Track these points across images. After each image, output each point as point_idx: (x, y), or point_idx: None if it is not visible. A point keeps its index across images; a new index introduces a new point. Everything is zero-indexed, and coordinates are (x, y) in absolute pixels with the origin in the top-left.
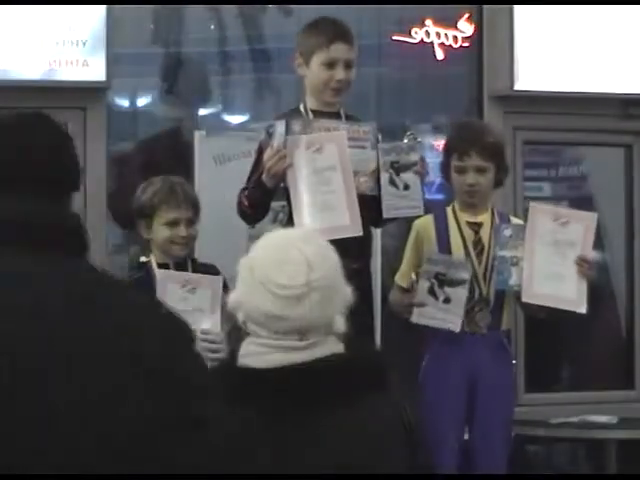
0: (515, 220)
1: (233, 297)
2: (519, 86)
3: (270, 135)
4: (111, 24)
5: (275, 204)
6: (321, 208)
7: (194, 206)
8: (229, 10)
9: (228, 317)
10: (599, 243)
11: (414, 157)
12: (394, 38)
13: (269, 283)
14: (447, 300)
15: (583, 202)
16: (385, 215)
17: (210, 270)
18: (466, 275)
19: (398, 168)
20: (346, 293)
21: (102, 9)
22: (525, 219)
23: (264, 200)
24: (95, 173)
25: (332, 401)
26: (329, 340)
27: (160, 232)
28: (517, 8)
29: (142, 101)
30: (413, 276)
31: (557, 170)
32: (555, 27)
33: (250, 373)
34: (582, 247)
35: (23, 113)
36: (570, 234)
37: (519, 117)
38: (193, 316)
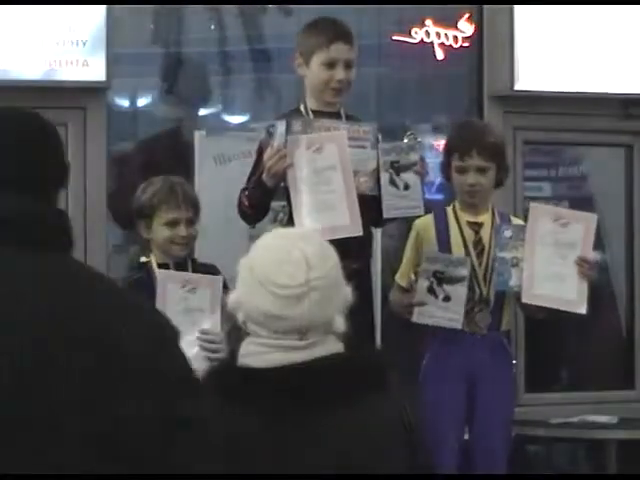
0: (515, 220)
1: (233, 297)
2: (519, 86)
3: (270, 135)
4: (111, 24)
5: (275, 204)
6: (321, 208)
7: (194, 206)
8: (229, 10)
9: (228, 317)
10: (599, 243)
11: (414, 157)
12: (394, 38)
13: (269, 283)
14: (447, 298)
15: (583, 202)
16: (385, 215)
17: (210, 270)
18: (465, 272)
19: (398, 168)
20: (346, 293)
21: (102, 9)
22: (525, 219)
23: (264, 200)
24: (95, 173)
25: (332, 401)
26: (329, 340)
27: (160, 232)
28: (517, 8)
29: (142, 101)
30: (412, 276)
31: (557, 170)
32: (555, 27)
33: (250, 373)
34: (582, 248)
35: (6, 111)
36: (570, 235)
37: (519, 117)
38: (193, 316)
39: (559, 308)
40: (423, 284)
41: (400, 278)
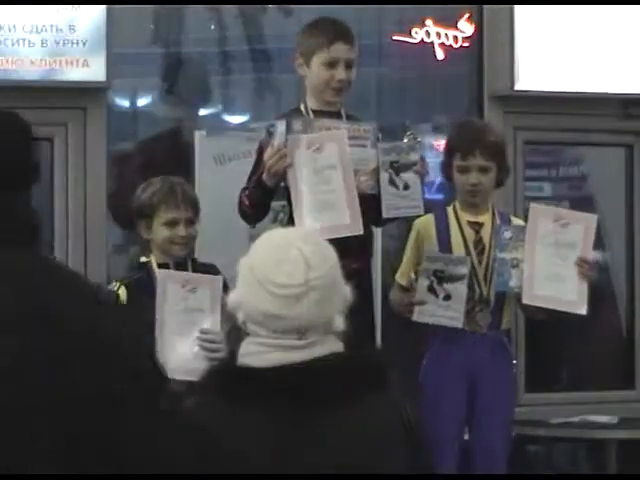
0: (516, 220)
1: (233, 297)
2: (519, 86)
3: (271, 134)
4: (111, 24)
5: (275, 204)
6: (321, 207)
7: (194, 206)
8: (229, 10)
9: (228, 317)
10: (599, 243)
11: (414, 157)
12: (394, 38)
13: (268, 282)
14: (447, 297)
15: (583, 202)
16: (385, 215)
17: (210, 270)
18: (465, 270)
19: (398, 168)
20: (345, 292)
21: (102, 9)
22: (525, 219)
23: (265, 200)
24: (95, 173)
25: (332, 400)
26: (328, 339)
27: (160, 232)
28: (517, 8)
29: (142, 101)
30: (412, 275)
31: (557, 170)
32: (555, 27)
33: (250, 372)
34: (582, 248)
35: None
36: (570, 235)
37: (519, 117)
38: (193, 316)
39: (559, 309)
40: (423, 283)
41: (400, 277)
